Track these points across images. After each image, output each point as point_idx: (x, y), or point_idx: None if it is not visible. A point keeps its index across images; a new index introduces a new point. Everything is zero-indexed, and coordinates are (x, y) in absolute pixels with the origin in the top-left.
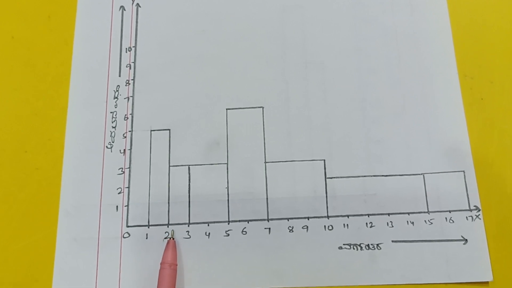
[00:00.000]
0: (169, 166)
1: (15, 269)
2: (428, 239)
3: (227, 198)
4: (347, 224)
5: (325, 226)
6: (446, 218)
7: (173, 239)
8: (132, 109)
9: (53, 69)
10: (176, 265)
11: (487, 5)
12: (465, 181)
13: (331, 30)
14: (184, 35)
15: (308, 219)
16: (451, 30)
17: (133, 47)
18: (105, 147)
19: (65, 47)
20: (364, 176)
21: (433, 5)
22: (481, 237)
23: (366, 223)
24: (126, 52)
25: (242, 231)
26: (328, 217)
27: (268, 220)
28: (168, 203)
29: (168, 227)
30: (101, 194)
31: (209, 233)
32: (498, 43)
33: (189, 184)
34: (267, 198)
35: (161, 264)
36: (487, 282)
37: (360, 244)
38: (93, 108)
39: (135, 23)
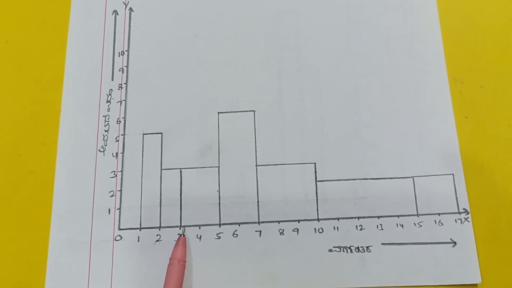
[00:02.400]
0: (161, 169)
1: (8, 272)
2: (417, 241)
3: (218, 201)
4: (337, 227)
5: (315, 229)
6: (435, 220)
7: (184, 236)
8: (125, 113)
9: (47, 73)
10: (185, 261)
11: (477, 10)
12: (454, 184)
13: (324, 34)
14: (177, 39)
15: (299, 222)
16: (441, 35)
17: (126, 51)
18: (98, 151)
19: (59, 51)
20: (355, 179)
21: (423, 9)
22: (470, 240)
23: (356, 226)
24: (119, 56)
25: (233, 234)
26: (318, 220)
27: (259, 223)
28: (160, 206)
29: (160, 230)
30: (93, 197)
31: (200, 236)
32: (488, 48)
33: (180, 187)
34: (258, 201)
35: (170, 259)
36: (475, 285)
37: (350, 246)
38: (86, 111)
39: (128, 27)
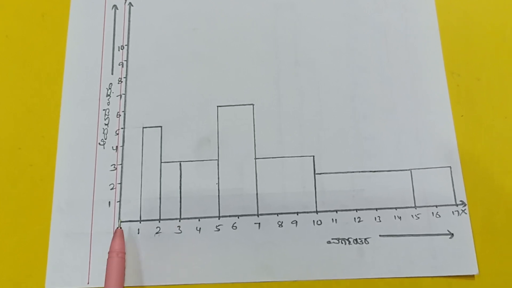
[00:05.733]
0: (161, 162)
1: (8, 264)
2: (415, 233)
3: (217, 194)
4: (336, 219)
5: (314, 221)
6: (432, 212)
7: (120, 228)
8: (125, 107)
9: (47, 67)
10: (124, 253)
11: (474, 3)
12: (452, 177)
13: (322, 28)
14: (176, 33)
15: (297, 214)
16: (438, 28)
17: (126, 45)
18: (98, 144)
19: (59, 45)
20: (353, 172)
21: (421, 2)
22: (467, 231)
23: (354, 218)
24: (119, 50)
25: (232, 226)
26: (317, 212)
27: (258, 215)
28: (160, 198)
29: (159, 222)
30: (93, 190)
31: (200, 228)
32: (485, 41)
33: (180, 180)
34: (257, 194)
35: (108, 253)
36: (472, 276)
37: (348, 238)
38: (86, 105)
39: (127, 21)
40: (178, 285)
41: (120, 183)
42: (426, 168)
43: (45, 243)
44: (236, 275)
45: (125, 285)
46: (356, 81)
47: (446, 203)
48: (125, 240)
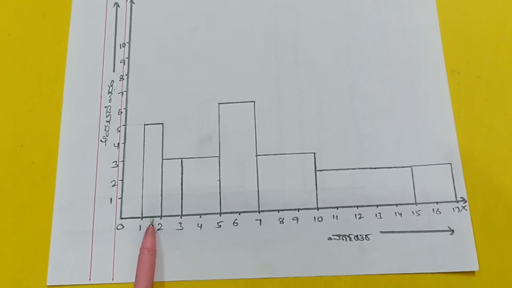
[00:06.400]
0: (162, 159)
1: (10, 262)
2: (415, 229)
3: (219, 191)
4: (337, 216)
5: (314, 217)
6: (433, 209)
7: (153, 226)
8: (126, 104)
9: (49, 64)
10: (155, 250)
11: (475, 2)
12: (452, 173)
13: (322, 28)
14: (177, 31)
15: (298, 211)
16: (439, 26)
17: (127, 43)
18: (99, 141)
19: (60, 43)
20: (353, 168)
21: (421, 2)
22: (467, 228)
23: (355, 215)
24: (120, 48)
25: (234, 223)
26: (317, 208)
27: (259, 211)
28: (161, 195)
29: (161, 218)
30: (95, 187)
31: (201, 225)
32: (485, 39)
33: (181, 177)
34: (258, 191)
35: (140, 249)
36: (473, 272)
37: (349, 235)
38: (87, 103)
39: (129, 19)
40: (179, 281)
41: (122, 180)
42: (427, 165)
43: (46, 240)
44: (237, 272)
45: (125, 281)
46: (356, 80)
47: (447, 200)
48: (128, 238)
